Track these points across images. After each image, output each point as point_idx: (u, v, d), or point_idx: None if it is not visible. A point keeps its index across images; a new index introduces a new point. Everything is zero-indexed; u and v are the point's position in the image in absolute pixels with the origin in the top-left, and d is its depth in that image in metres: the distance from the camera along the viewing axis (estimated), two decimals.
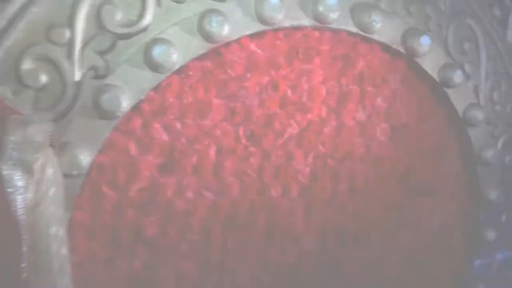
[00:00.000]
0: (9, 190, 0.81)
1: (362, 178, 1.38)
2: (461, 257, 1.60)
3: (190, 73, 1.12)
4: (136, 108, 1.07)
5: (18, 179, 0.82)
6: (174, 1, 1.08)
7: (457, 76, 1.45)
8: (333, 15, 1.24)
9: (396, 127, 1.43)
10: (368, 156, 1.38)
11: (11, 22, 0.94)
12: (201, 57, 1.12)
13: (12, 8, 0.94)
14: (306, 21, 1.22)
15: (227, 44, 1.14)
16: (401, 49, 1.37)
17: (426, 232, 1.52)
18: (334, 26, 1.26)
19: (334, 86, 1.31)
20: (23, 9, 0.94)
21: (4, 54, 0.93)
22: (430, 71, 1.43)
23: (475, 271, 1.60)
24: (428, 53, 1.40)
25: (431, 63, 1.43)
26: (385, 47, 1.36)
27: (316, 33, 1.25)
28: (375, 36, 1.32)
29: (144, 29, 1.05)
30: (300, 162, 1.28)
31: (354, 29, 1.29)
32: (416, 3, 1.40)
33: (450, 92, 1.47)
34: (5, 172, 0.81)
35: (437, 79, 1.44)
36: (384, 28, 1.33)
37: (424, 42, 1.38)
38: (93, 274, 1.09)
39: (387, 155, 1.42)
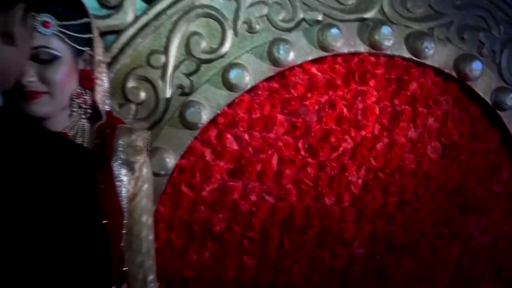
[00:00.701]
0: (117, 183, 1.08)
1: (412, 191, 1.54)
2: (511, 277, 1.71)
3: (259, 92, 1.37)
4: (212, 121, 1.33)
5: (123, 175, 1.08)
6: (248, 32, 1.34)
7: (510, 99, 1.59)
8: (388, 43, 1.44)
9: (448, 146, 1.58)
10: (419, 171, 1.54)
11: (122, 50, 1.23)
12: (269, 79, 1.37)
13: (123, 39, 1.23)
14: (362, 48, 1.44)
15: (292, 68, 1.38)
16: (454, 74, 1.53)
17: (476, 248, 1.65)
18: (388, 52, 1.46)
19: (387, 106, 1.50)
20: (131, 39, 1.24)
21: (114, 75, 1.23)
22: (482, 94, 1.58)
23: None
24: (481, 77, 1.56)
25: (483, 87, 1.58)
26: (438, 71, 1.53)
27: (372, 58, 1.46)
28: (428, 61, 1.50)
29: (223, 55, 1.32)
30: (353, 174, 1.48)
31: (407, 55, 1.48)
32: (469, 30, 1.56)
33: (503, 114, 1.61)
34: (114, 169, 1.07)
35: (489, 102, 1.59)
36: (436, 54, 1.50)
37: (476, 67, 1.54)
38: (169, 260, 1.34)
39: (437, 171, 1.57)
